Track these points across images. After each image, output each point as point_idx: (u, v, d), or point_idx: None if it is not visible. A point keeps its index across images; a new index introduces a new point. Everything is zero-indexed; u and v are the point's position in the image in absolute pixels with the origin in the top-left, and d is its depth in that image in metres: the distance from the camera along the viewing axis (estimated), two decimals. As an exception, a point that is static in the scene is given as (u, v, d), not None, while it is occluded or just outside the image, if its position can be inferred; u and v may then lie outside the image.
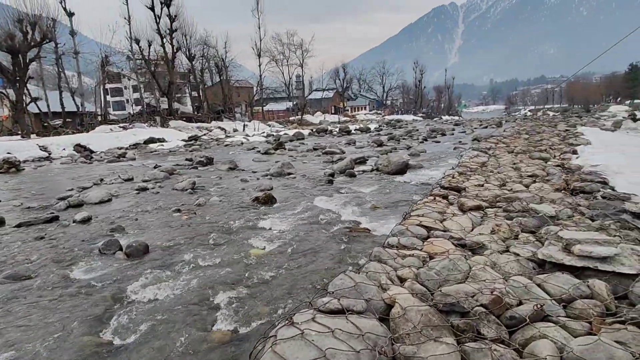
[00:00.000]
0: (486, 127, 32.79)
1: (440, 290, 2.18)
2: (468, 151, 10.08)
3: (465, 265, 2.53)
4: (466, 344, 1.95)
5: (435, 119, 64.52)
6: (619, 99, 74.83)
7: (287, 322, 2.16)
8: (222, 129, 34.45)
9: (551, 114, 63.81)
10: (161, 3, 35.36)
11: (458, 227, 3.20)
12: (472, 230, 3.18)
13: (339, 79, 71.26)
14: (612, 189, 4.46)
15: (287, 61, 60.77)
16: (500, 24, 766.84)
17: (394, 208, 7.59)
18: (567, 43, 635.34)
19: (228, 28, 50.37)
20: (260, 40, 48.12)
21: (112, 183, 11.33)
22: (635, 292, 2.56)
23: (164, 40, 36.63)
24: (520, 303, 2.45)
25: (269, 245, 5.66)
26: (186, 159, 16.12)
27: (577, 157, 7.00)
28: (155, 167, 13.58)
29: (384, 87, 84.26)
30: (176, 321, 3.60)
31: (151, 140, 24.80)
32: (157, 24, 35.81)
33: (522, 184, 4.94)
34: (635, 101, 56.74)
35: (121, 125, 31.21)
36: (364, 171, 12.04)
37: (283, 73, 62.15)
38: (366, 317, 1.99)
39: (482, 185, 4.32)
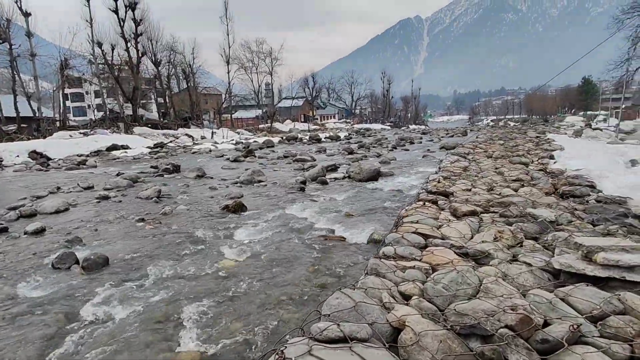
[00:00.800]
0: (452, 136, 33.69)
1: (455, 309, 1.87)
2: (448, 156, 10.17)
3: (474, 277, 2.19)
4: None
5: (402, 128, 65.82)
6: (574, 110, 79.23)
7: (277, 357, 1.74)
8: (190, 136, 33.58)
9: (512, 124, 66.60)
10: (125, 6, 34.30)
11: (457, 234, 2.97)
12: (472, 237, 2.95)
13: (309, 88, 71.60)
14: (601, 192, 4.45)
15: (257, 69, 60.49)
16: (462, 37, 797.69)
17: (369, 215, 7.49)
18: (525, 57, 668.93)
19: (196, 34, 49.51)
20: (229, 47, 47.67)
21: (70, 192, 10.65)
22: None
23: (129, 44, 35.51)
24: (546, 322, 2.16)
25: (241, 256, 5.40)
26: (151, 167, 15.48)
27: (554, 162, 7.15)
28: (117, 175, 12.93)
29: (352, 97, 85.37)
30: (138, 342, 3.28)
31: (114, 147, 23.75)
32: (121, 27, 34.71)
33: (510, 188, 4.79)
34: (588, 112, 60.20)
35: (82, 131, 29.78)
36: (335, 178, 11.93)
37: (252, 81, 61.76)
38: (373, 346, 1.64)
39: (470, 190, 4.19)
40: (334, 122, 71.93)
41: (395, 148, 23.08)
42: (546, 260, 2.58)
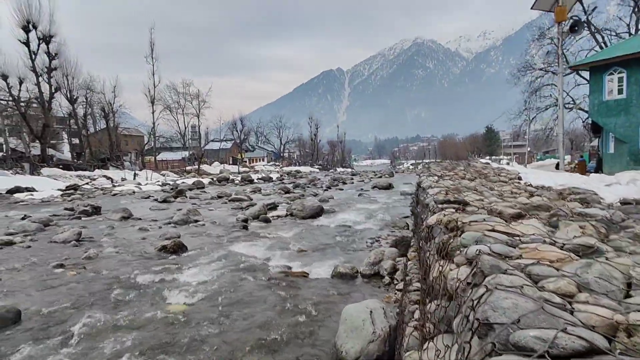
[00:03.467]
0: (381, 177, 35.07)
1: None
2: (425, 177, 10.15)
3: (618, 269, 1.75)
4: None
5: (331, 170, 67.48)
6: (480, 154, 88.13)
7: None
8: (108, 177, 30.86)
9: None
10: (39, 39, 31.65)
11: (536, 231, 2.64)
12: (553, 235, 2.66)
13: (237, 131, 71.24)
14: (603, 199, 4.62)
15: (183, 110, 59.00)
16: (380, 89, 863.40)
17: (323, 251, 7.18)
18: (434, 108, 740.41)
19: (119, 73, 46.94)
20: (154, 87, 45.83)
21: (-39, 238, 8.87)
22: None
23: (40, 78, 32.46)
24: None
25: (190, 299, 4.72)
26: (65, 209, 13.67)
27: (525, 182, 7.48)
28: (24, 218, 11.16)
29: (281, 140, 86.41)
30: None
31: (17, 190, 20.85)
32: (32, 61, 31.73)
33: (523, 196, 4.65)
34: (493, 157, 67.34)
35: (-26, 172, 25.81)
36: (278, 216, 11.51)
37: (178, 122, 60.00)
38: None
39: (482, 200, 4.03)
40: (264, 165, 71.65)
41: (330, 188, 23.33)
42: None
